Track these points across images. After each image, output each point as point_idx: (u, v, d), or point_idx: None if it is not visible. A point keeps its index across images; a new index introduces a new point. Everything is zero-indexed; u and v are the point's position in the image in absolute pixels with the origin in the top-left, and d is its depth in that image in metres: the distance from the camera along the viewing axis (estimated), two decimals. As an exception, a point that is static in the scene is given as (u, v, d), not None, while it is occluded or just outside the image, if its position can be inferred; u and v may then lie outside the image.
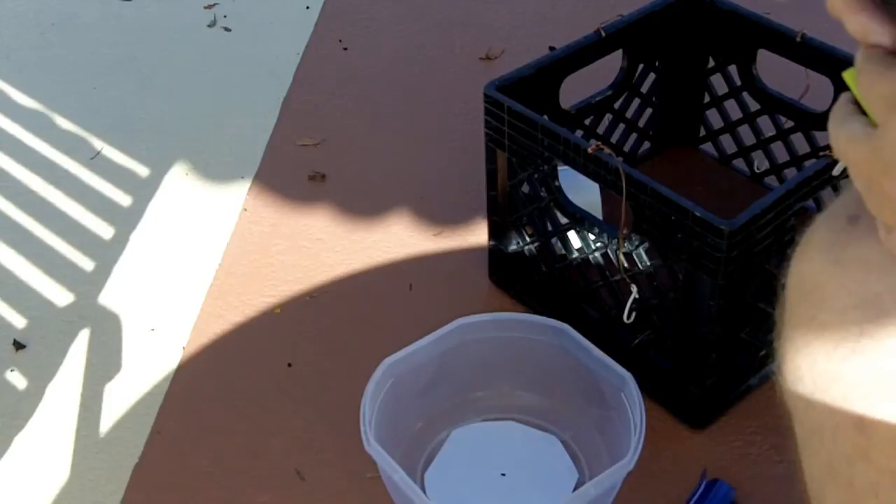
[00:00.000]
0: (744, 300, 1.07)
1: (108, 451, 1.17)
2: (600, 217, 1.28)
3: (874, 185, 0.48)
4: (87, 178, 1.57)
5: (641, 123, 1.44)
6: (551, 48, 1.68)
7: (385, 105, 1.68)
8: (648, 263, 1.10)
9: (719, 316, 1.05)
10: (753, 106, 1.39)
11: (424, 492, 1.08)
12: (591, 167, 1.09)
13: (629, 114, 1.41)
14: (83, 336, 1.32)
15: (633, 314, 1.13)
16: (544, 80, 1.25)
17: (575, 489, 1.09)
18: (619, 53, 1.34)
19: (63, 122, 1.68)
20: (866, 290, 0.51)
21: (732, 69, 1.38)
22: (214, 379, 1.25)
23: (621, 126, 1.42)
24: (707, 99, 1.45)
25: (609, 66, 1.35)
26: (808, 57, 1.26)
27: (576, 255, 1.19)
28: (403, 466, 0.99)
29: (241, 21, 1.91)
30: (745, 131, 1.42)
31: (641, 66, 1.37)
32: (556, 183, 1.16)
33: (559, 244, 1.21)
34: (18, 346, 1.30)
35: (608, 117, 1.39)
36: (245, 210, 1.49)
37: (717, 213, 1.00)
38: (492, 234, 1.30)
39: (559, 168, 1.16)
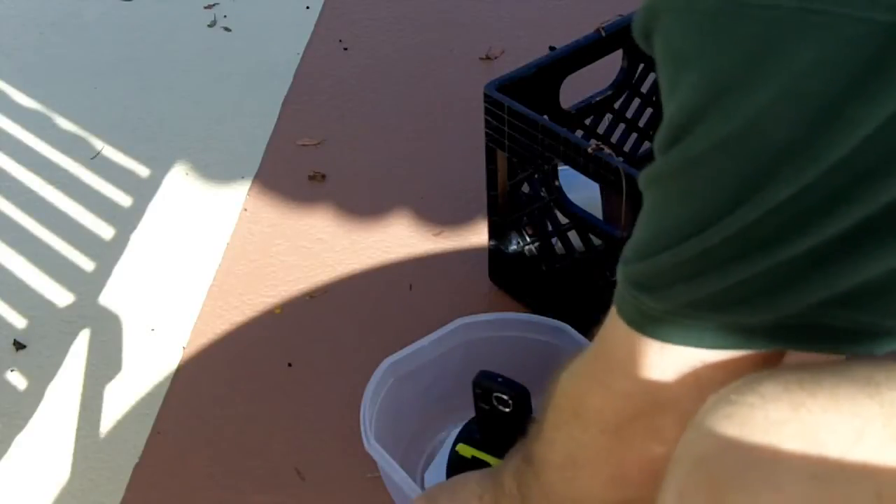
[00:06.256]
0: (744, 300, 1.07)
1: (108, 451, 1.17)
2: (600, 217, 1.28)
3: None
4: (87, 178, 1.57)
5: (641, 123, 1.44)
6: (551, 48, 1.68)
7: (385, 105, 1.68)
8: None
9: (719, 316, 1.05)
10: (753, 106, 1.38)
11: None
12: (591, 167, 1.09)
13: (629, 114, 1.41)
14: (83, 336, 1.32)
15: (633, 314, 1.13)
16: (544, 80, 1.25)
17: (575, 489, 1.09)
18: (619, 53, 1.34)
19: (63, 122, 1.68)
20: None
21: (732, 69, 1.38)
22: (214, 379, 1.25)
23: (621, 126, 1.42)
24: (707, 98, 1.45)
25: (609, 66, 1.34)
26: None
27: (576, 255, 1.19)
28: (403, 466, 0.99)
29: (241, 21, 1.91)
30: (744, 131, 1.42)
31: (641, 66, 1.37)
32: (556, 183, 1.16)
33: (559, 244, 1.21)
34: (18, 346, 1.30)
35: (608, 117, 1.39)
36: (245, 210, 1.49)
37: (717, 213, 0.99)
38: (492, 234, 1.30)
39: (559, 168, 1.16)
